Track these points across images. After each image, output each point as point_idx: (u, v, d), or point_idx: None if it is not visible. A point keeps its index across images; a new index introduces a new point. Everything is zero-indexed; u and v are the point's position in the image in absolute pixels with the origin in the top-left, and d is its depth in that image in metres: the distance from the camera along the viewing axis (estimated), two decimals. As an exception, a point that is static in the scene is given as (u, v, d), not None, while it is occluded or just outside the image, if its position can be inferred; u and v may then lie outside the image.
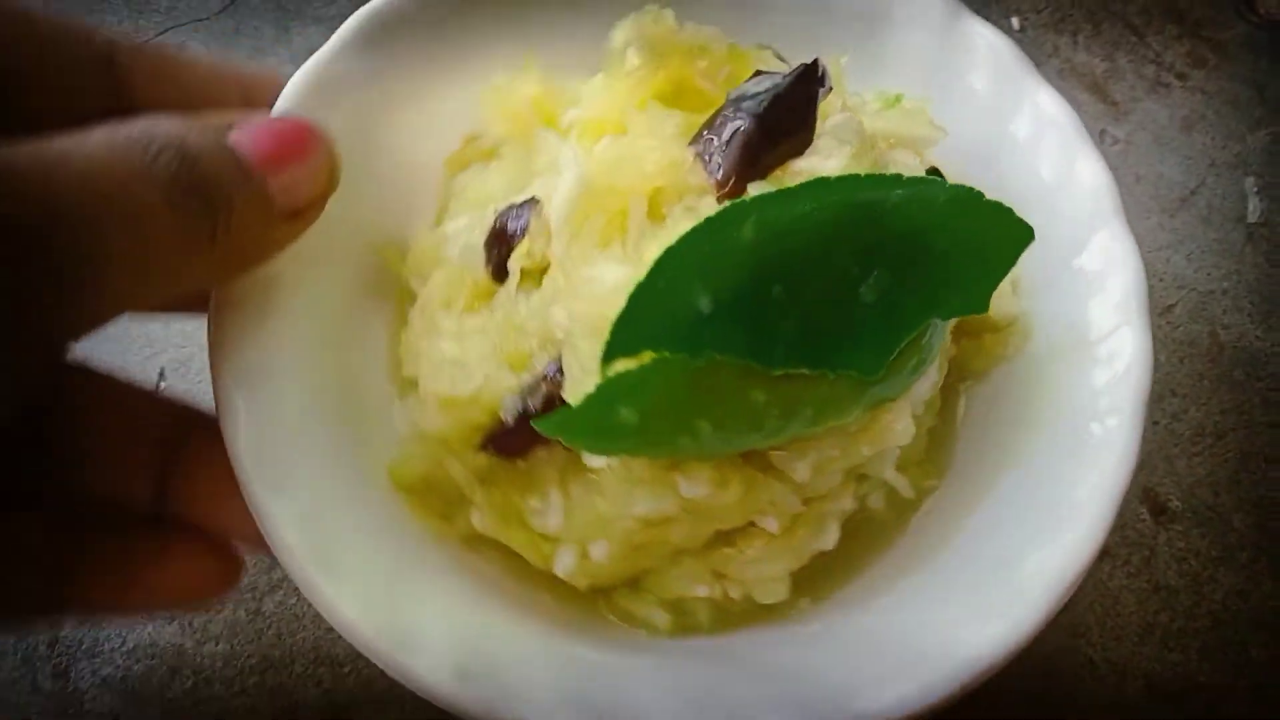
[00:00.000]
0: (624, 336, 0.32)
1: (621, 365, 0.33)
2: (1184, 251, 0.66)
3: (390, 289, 0.48)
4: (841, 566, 0.44)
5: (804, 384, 0.34)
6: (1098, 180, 0.45)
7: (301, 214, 0.37)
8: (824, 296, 0.34)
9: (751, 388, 0.34)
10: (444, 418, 0.41)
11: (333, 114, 0.42)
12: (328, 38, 0.59)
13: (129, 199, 0.30)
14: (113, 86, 0.38)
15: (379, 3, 0.46)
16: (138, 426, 0.41)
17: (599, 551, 0.40)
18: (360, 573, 0.38)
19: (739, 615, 0.43)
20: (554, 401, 0.38)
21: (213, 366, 0.38)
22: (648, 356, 0.32)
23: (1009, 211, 0.36)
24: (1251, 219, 0.67)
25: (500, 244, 0.41)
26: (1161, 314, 0.64)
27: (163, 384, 0.59)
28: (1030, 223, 0.37)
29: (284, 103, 0.42)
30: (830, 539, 0.42)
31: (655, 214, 0.38)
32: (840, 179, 0.34)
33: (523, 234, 0.40)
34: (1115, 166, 0.63)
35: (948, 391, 0.46)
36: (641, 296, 0.32)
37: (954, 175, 0.40)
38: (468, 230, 0.44)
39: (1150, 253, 0.65)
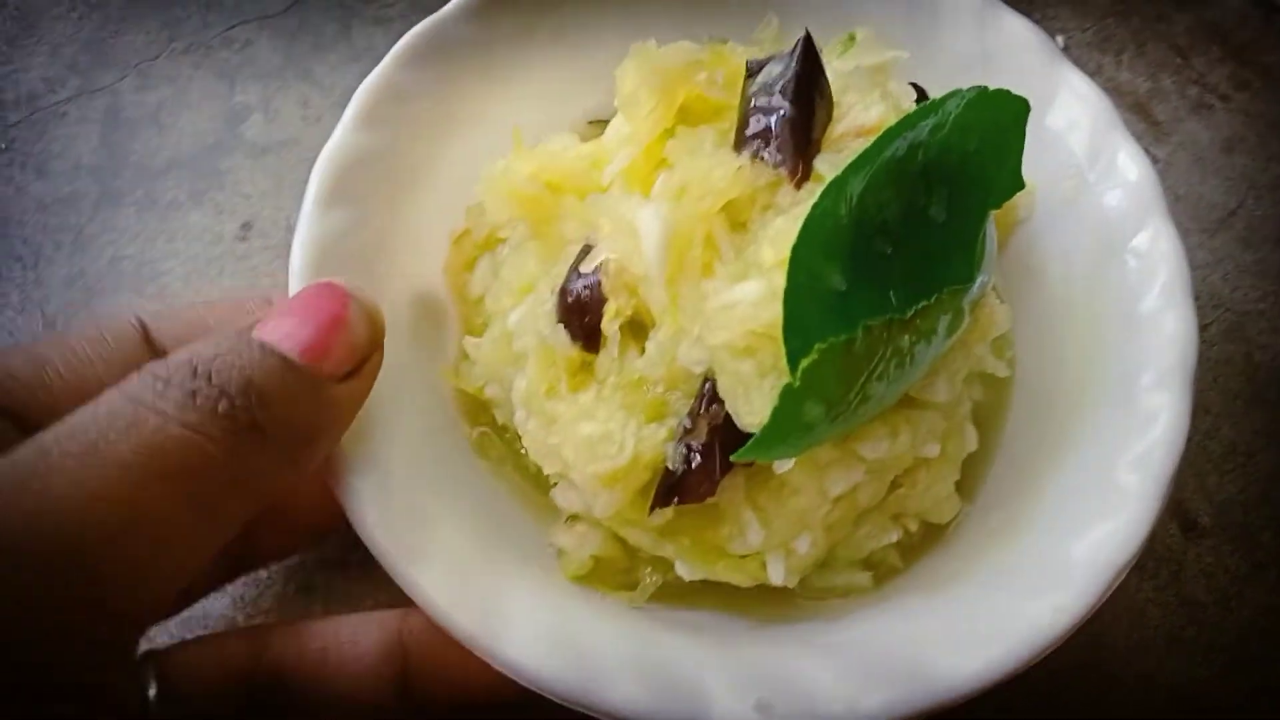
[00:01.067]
0: (796, 339, 0.35)
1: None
2: (1221, 272, 0.67)
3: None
4: (977, 462, 0.48)
5: (929, 311, 0.37)
6: (1142, 174, 0.48)
7: (358, 373, 0.37)
8: (910, 232, 0.38)
9: (896, 335, 0.37)
10: (614, 494, 0.41)
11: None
12: (387, 37, 0.64)
13: (138, 489, 0.30)
14: (151, 353, 0.40)
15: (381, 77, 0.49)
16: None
17: (804, 545, 0.42)
18: (450, 560, 0.40)
19: (918, 546, 0.47)
20: (718, 430, 0.39)
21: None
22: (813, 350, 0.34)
23: (1004, 92, 0.40)
24: None
25: (580, 315, 0.42)
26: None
27: None
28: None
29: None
30: (972, 439, 0.46)
31: (736, 226, 0.40)
32: (890, 130, 0.37)
33: (602, 298, 0.41)
34: None
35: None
36: (793, 298, 0.35)
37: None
38: (532, 318, 0.44)
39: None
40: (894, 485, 0.44)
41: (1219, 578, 0.57)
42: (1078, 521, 0.42)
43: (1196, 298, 0.61)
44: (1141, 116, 0.71)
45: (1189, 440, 0.57)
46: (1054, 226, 0.51)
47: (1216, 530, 0.58)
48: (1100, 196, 0.49)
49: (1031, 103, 0.46)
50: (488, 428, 0.49)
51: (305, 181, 0.45)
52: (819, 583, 0.45)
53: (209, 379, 0.32)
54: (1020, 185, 0.42)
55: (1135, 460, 0.42)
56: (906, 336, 0.37)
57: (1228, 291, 0.66)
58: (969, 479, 0.48)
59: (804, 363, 0.34)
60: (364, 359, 0.37)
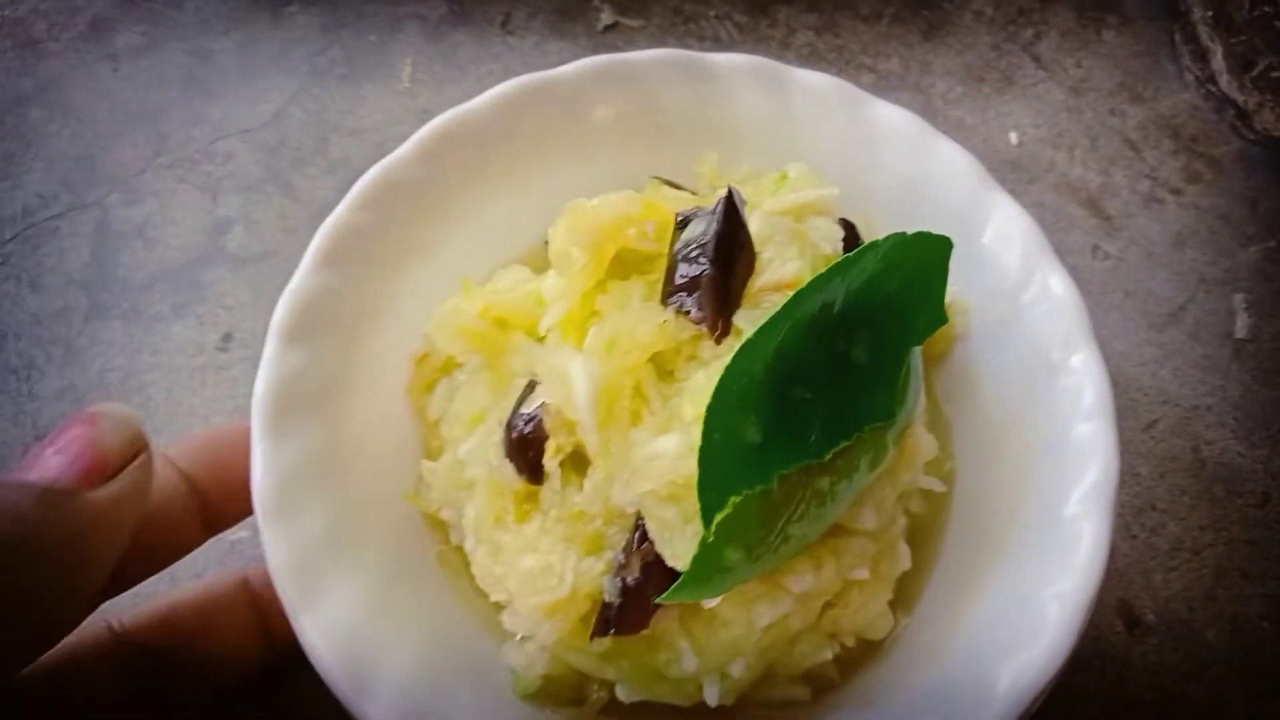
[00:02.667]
0: (711, 495, 0.37)
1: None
2: (1170, 366, 0.69)
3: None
4: (917, 575, 0.50)
5: (849, 452, 0.40)
6: (1069, 298, 0.50)
7: (118, 475, 0.39)
8: (830, 378, 0.41)
9: (815, 478, 0.39)
10: (555, 624, 0.44)
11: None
12: (363, 149, 0.71)
13: None
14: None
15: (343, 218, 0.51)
16: None
17: (738, 670, 0.44)
18: (400, 690, 0.43)
19: (857, 658, 0.49)
20: (650, 567, 0.42)
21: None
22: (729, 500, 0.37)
23: (927, 234, 0.42)
24: (1239, 335, 0.70)
25: (524, 451, 0.45)
26: (1145, 429, 0.67)
27: None
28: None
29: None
30: (905, 559, 0.48)
31: (664, 375, 0.43)
32: (803, 290, 0.39)
33: (544, 435, 0.44)
34: (1106, 281, 0.69)
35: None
36: (707, 455, 0.37)
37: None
38: (481, 449, 0.47)
39: (1136, 367, 0.69)
40: (828, 605, 0.46)
41: (1162, 677, 0.59)
42: (1003, 646, 0.44)
43: (1145, 394, 0.65)
44: (1093, 212, 0.74)
45: (1133, 537, 0.61)
46: (989, 344, 0.54)
47: (1161, 628, 0.60)
48: (1032, 318, 0.52)
49: (966, 224, 0.51)
50: (447, 545, 0.51)
51: (283, 292, 0.49)
52: (758, 697, 0.47)
53: None
54: (943, 321, 0.45)
55: (1057, 591, 0.44)
56: (826, 478, 0.40)
57: (1176, 387, 0.68)
58: (908, 591, 0.50)
59: (718, 517, 0.37)
60: (118, 461, 0.39)
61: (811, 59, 0.55)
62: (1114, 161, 0.76)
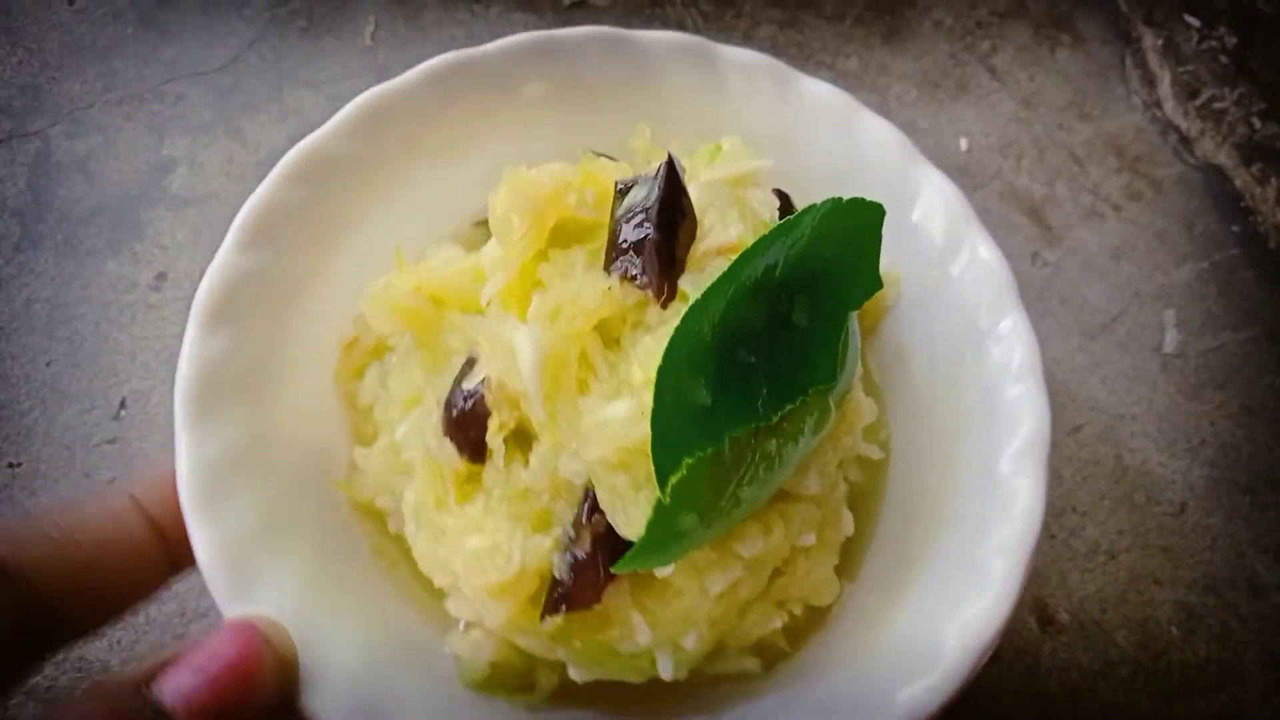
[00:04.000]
0: (664, 456, 0.39)
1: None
2: (1099, 375, 0.74)
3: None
4: (857, 542, 0.54)
5: (795, 415, 0.43)
6: (997, 265, 0.54)
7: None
8: (774, 341, 0.43)
9: (763, 441, 0.42)
10: (503, 605, 0.45)
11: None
12: (317, 100, 0.74)
13: None
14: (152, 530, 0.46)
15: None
16: None
17: (690, 642, 0.46)
18: (343, 682, 0.44)
19: (805, 627, 0.52)
20: (601, 539, 0.44)
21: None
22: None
23: (860, 200, 0.45)
24: (1167, 349, 0.75)
25: (464, 429, 0.46)
26: (1070, 433, 0.72)
27: (123, 412, 0.67)
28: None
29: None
30: (848, 524, 0.52)
31: (610, 343, 0.45)
32: (746, 253, 0.42)
33: (485, 411, 0.46)
34: (1042, 289, 0.75)
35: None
36: (660, 417, 0.40)
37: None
38: (418, 430, 0.49)
39: (1067, 373, 0.74)
40: (776, 574, 0.49)
41: (1071, 673, 0.63)
42: (948, 605, 0.48)
43: (1073, 400, 0.71)
44: (1035, 221, 0.79)
45: (1053, 538, 0.66)
46: (919, 313, 0.58)
47: (1074, 627, 0.65)
48: (960, 286, 0.56)
49: (895, 198, 0.55)
50: (383, 536, 0.53)
51: (223, 235, 0.50)
52: (710, 670, 0.50)
53: None
54: (878, 286, 0.48)
55: (999, 544, 0.48)
56: (774, 440, 0.43)
57: (1104, 395, 0.73)
58: (850, 559, 0.54)
59: (673, 478, 0.39)
60: (276, 711, 0.41)
61: (771, 53, 0.57)
62: (1059, 174, 0.82)
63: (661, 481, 0.39)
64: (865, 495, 0.56)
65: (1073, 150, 0.82)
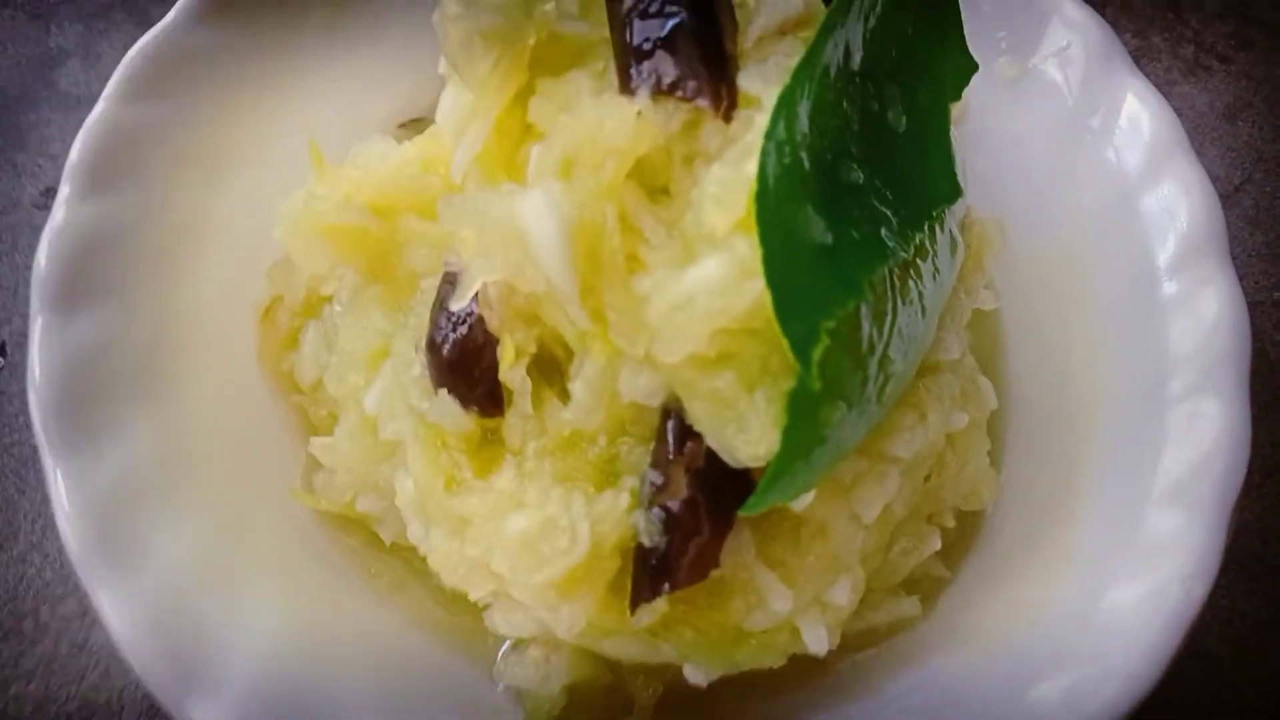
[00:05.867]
0: (797, 325, 0.31)
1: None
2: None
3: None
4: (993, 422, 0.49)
5: (926, 247, 0.37)
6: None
7: None
8: (875, 151, 0.37)
9: (901, 284, 0.35)
10: (578, 602, 0.37)
11: None
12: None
13: None
14: None
15: None
16: None
17: (842, 594, 0.39)
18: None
19: (958, 543, 0.46)
20: (702, 475, 0.36)
21: None
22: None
23: None
24: None
25: (466, 370, 0.39)
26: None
27: (2, 360, 0.61)
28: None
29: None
30: (990, 395, 0.47)
31: (655, 194, 0.37)
32: (821, 29, 0.35)
33: (491, 338, 0.38)
34: None
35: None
36: (776, 265, 0.32)
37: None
38: (397, 391, 0.41)
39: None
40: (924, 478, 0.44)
41: (1236, 625, 0.56)
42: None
43: None
44: None
45: None
46: (999, 118, 0.53)
47: (1232, 566, 0.56)
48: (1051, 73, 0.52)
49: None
50: (375, 551, 0.46)
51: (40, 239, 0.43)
52: (859, 627, 0.43)
53: None
54: (973, 65, 0.42)
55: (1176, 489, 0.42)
56: (911, 283, 0.36)
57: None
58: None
59: (815, 351, 0.31)
60: None
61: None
62: (1152, 23, 0.76)
63: (802, 359, 0.31)
64: (984, 360, 0.49)
65: (1164, -7, 0.78)
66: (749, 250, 0.32)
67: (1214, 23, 0.76)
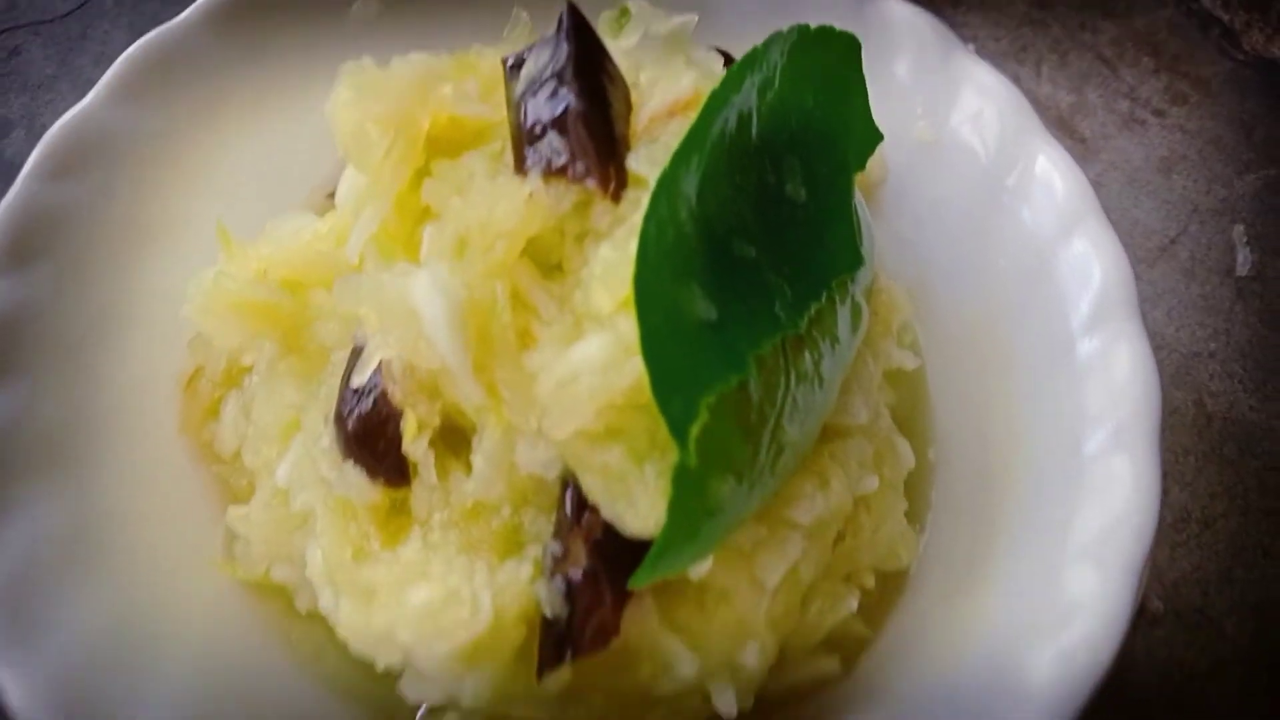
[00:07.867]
0: (675, 403, 0.32)
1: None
2: (1163, 307, 0.68)
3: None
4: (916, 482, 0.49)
5: (823, 317, 0.37)
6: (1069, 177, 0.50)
7: None
8: (772, 224, 0.37)
9: (794, 357, 0.35)
10: (481, 670, 0.37)
11: None
12: None
13: None
14: None
15: None
16: None
17: (751, 657, 0.39)
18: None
19: (880, 602, 0.46)
20: (600, 546, 0.36)
21: None
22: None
23: (828, 30, 0.41)
24: (1241, 272, 0.70)
25: (371, 443, 0.39)
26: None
27: None
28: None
29: None
30: (909, 455, 0.47)
31: (548, 270, 0.38)
32: (710, 101, 0.36)
33: (394, 411, 0.38)
34: None
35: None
36: (654, 343, 0.32)
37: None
38: (307, 463, 0.41)
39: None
40: (837, 539, 0.43)
41: (1174, 675, 0.56)
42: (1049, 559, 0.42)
43: None
44: (1066, 134, 0.75)
45: None
46: (919, 181, 0.53)
47: (1169, 617, 0.57)
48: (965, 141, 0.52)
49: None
50: (293, 619, 0.45)
51: None
52: (777, 687, 0.43)
53: None
54: (878, 136, 0.43)
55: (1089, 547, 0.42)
56: (807, 354, 0.36)
57: (1171, 330, 0.67)
58: (912, 500, 0.48)
59: (693, 429, 0.32)
60: None
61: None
62: (1086, 79, 0.77)
63: (679, 437, 0.32)
64: (907, 419, 0.50)
65: (1099, 51, 0.78)
66: (631, 329, 0.33)
67: (1148, 78, 0.77)
